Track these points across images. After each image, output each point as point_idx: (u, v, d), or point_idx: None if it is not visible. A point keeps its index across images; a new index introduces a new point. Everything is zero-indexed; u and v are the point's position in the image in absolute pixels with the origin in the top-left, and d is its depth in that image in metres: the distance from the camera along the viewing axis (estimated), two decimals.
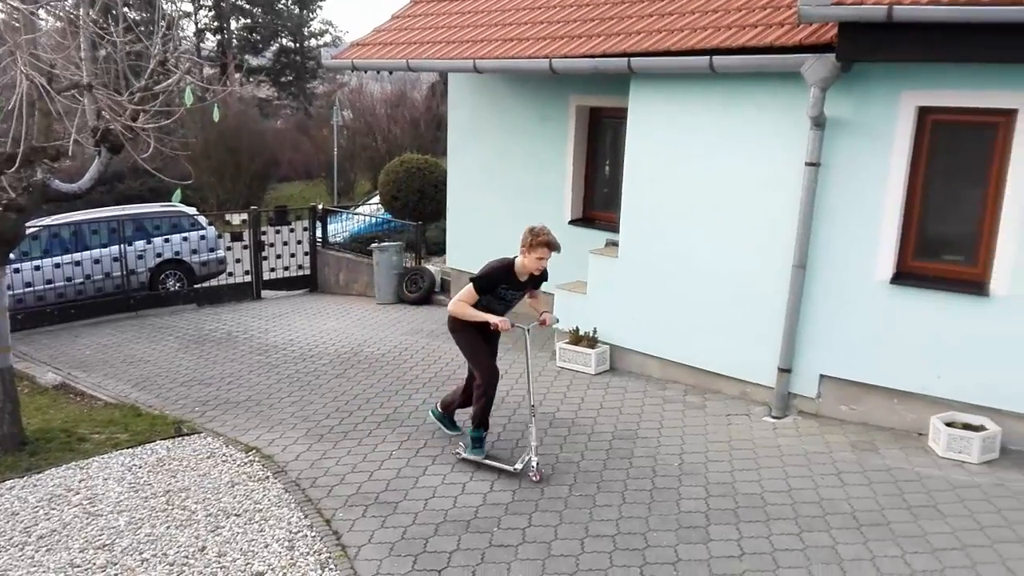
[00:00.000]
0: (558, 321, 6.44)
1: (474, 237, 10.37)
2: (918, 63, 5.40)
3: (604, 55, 6.89)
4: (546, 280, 5.50)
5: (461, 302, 5.27)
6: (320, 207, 13.81)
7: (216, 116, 6.68)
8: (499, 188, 9.86)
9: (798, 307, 6.10)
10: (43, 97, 4.99)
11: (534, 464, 5.27)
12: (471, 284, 5.26)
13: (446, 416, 5.97)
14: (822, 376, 6.21)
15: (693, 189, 6.66)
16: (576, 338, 7.52)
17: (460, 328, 5.43)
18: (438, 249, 12.53)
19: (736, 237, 6.45)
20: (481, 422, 5.48)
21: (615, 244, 7.47)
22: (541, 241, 5.12)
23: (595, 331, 7.45)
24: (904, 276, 5.79)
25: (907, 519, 4.65)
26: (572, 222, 9.10)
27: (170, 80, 5.70)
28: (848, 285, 5.94)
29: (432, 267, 11.82)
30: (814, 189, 5.86)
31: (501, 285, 5.28)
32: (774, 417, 6.27)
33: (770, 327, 6.28)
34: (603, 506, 4.87)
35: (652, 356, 7.19)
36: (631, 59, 6.56)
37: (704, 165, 6.57)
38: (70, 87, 5.46)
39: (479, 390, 5.42)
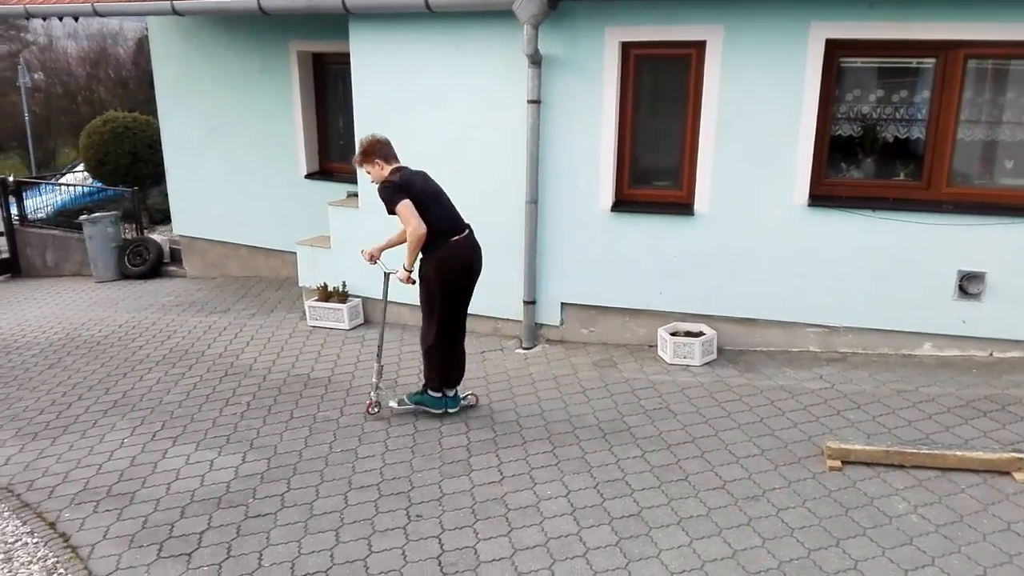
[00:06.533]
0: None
1: (202, 200, 9.61)
2: (616, 1, 5.73)
3: None
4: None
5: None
6: (11, 179, 12.00)
7: None
8: (223, 145, 9.18)
9: (535, 241, 6.35)
10: None
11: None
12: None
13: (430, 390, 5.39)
14: (563, 304, 6.56)
15: (426, 132, 6.58)
16: (325, 294, 7.26)
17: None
18: (163, 217, 11.45)
19: (473, 178, 6.51)
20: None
21: (356, 195, 7.25)
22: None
23: (344, 285, 7.24)
24: (623, 203, 6.23)
25: (644, 422, 5.08)
26: (309, 175, 8.74)
27: None
28: (578, 216, 6.27)
29: (158, 236, 10.79)
30: (538, 127, 6.06)
31: None
32: (525, 348, 6.54)
33: (513, 263, 6.49)
34: (366, 457, 4.78)
35: (406, 304, 7.13)
36: None
37: (435, 107, 6.53)
38: None
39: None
